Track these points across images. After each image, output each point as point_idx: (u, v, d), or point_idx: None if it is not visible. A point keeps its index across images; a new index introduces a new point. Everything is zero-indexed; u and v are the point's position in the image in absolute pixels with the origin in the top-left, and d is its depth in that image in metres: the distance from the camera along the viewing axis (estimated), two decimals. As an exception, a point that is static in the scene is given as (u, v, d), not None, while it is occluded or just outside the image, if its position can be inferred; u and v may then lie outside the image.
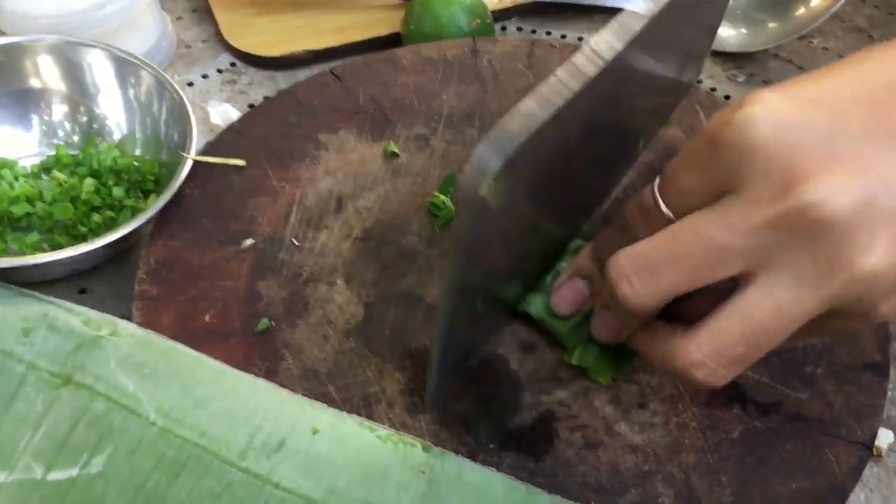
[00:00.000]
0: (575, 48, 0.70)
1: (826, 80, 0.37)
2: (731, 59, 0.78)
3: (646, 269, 0.38)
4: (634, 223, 0.42)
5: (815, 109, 0.36)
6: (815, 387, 0.50)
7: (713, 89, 0.76)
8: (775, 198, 0.35)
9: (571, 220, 0.54)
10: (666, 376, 0.50)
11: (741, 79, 0.76)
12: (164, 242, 0.56)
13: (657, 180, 0.41)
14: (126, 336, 0.50)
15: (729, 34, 0.79)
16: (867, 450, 0.48)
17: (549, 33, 0.82)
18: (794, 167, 0.35)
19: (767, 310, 0.36)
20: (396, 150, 0.62)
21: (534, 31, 0.82)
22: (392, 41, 0.77)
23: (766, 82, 0.76)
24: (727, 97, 0.74)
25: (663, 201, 0.40)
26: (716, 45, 0.79)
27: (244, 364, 0.50)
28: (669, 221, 0.39)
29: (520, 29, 0.82)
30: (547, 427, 0.48)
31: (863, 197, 0.34)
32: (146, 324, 0.51)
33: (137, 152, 0.65)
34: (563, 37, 0.81)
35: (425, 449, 0.47)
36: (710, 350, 0.37)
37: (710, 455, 0.47)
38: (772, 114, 0.35)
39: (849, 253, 0.34)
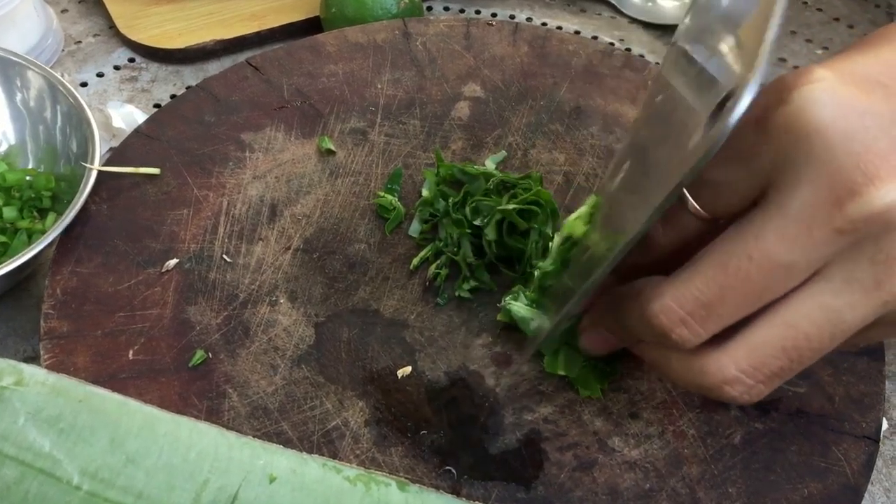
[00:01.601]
0: (515, 26, 0.65)
1: (881, 55, 0.33)
2: (672, 31, 0.75)
3: (701, 308, 0.33)
4: (653, 228, 0.36)
5: (877, 90, 0.31)
6: (813, 378, 0.46)
7: (658, 64, 0.72)
8: (842, 199, 0.30)
9: None
10: (681, 388, 0.46)
11: (684, 52, 0.73)
12: (72, 269, 0.48)
13: None
14: (35, 384, 0.42)
15: (669, 4, 0.75)
16: (875, 443, 0.44)
17: (478, 12, 0.76)
18: (861, 160, 0.30)
19: (816, 319, 0.32)
20: (332, 147, 0.56)
21: (462, 11, 0.76)
22: (311, 27, 0.70)
23: (709, 54, 0.73)
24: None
25: (693, 198, 0.35)
26: (656, 18, 0.75)
27: (180, 407, 0.43)
28: (702, 221, 0.35)
29: (447, 9, 0.77)
30: (534, 449, 0.43)
31: None
32: (57, 367, 0.44)
33: (30, 165, 0.56)
34: (494, 15, 0.76)
35: (401, 488, 0.41)
36: (747, 365, 0.33)
37: (714, 465, 0.43)
38: (833, 95, 0.31)
39: None
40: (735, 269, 0.32)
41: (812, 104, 0.31)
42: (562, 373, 0.44)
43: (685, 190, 0.35)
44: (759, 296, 0.32)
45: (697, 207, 0.35)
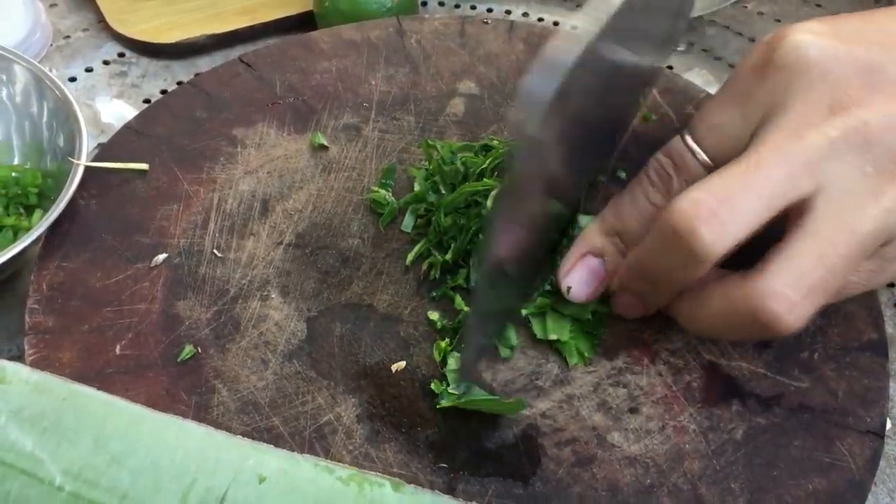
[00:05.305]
0: (510, 24, 0.64)
1: (875, 17, 0.39)
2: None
3: (727, 199, 0.35)
4: (664, 178, 0.41)
5: (858, 41, 0.37)
6: (815, 373, 0.45)
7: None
8: (832, 110, 0.36)
9: (573, 200, 0.49)
10: (721, 336, 0.46)
11: (681, 48, 0.72)
12: (58, 264, 0.47)
13: (685, 131, 0.41)
14: (17, 382, 0.41)
15: (665, 2, 0.74)
16: (880, 439, 0.43)
17: (473, 7, 0.76)
18: (840, 91, 0.36)
19: (835, 227, 0.35)
20: (325, 143, 0.55)
21: (457, 6, 0.76)
22: (304, 22, 0.69)
23: (707, 51, 0.72)
24: (670, 67, 0.69)
25: (698, 145, 0.40)
26: (651, 15, 0.74)
27: (168, 402, 0.42)
28: (707, 168, 0.40)
29: (442, 4, 0.76)
30: (532, 444, 0.42)
31: None
32: (42, 364, 0.43)
33: (15, 161, 0.55)
34: (490, 10, 0.75)
35: (395, 488, 0.40)
36: (788, 278, 0.35)
37: (716, 460, 0.42)
38: (820, 41, 0.37)
39: None
40: (744, 169, 0.36)
41: (803, 46, 0.37)
42: (553, 337, 0.45)
43: (690, 140, 0.41)
44: (774, 194, 0.35)
45: (702, 154, 0.40)
